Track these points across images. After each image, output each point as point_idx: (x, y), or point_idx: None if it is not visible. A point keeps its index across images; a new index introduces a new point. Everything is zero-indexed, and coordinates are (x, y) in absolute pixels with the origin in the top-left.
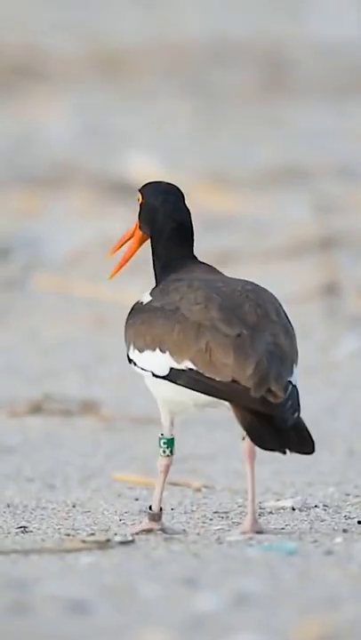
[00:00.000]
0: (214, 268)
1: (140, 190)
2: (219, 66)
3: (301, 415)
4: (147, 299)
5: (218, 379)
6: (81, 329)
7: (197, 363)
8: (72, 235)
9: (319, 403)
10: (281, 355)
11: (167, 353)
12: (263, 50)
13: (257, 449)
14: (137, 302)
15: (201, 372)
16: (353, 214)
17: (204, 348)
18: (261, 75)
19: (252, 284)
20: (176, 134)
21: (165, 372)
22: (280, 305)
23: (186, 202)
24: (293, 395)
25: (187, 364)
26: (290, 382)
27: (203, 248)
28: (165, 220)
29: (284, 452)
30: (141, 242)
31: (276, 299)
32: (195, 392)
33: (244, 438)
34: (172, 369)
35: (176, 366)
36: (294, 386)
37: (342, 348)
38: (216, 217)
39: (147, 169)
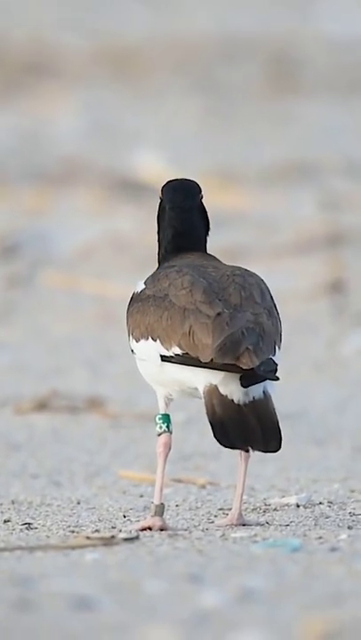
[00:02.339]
0: (212, 256)
1: (161, 188)
2: (228, 63)
3: (307, 411)
4: (140, 287)
5: (202, 359)
6: (88, 326)
7: (183, 346)
8: (80, 232)
9: (326, 399)
10: (261, 332)
11: (158, 341)
12: (272, 47)
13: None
14: (134, 292)
15: (186, 354)
16: None
17: (187, 332)
18: (270, 72)
19: (242, 269)
20: (185, 131)
21: (157, 360)
22: (267, 289)
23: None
24: (270, 366)
25: (174, 351)
26: (271, 360)
27: (211, 244)
28: (173, 219)
29: (247, 451)
30: None
31: (264, 283)
32: (180, 380)
33: None
34: (162, 357)
35: (166, 353)
36: (275, 363)
37: (349, 344)
38: (224, 214)
39: (155, 166)
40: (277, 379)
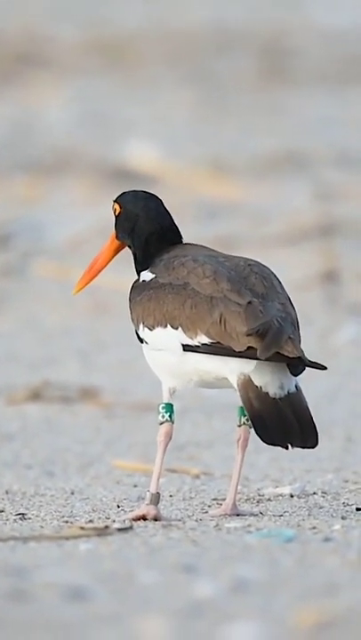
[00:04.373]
0: (206, 246)
1: (116, 201)
2: (220, 54)
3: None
4: (148, 276)
5: (235, 348)
6: (80, 316)
7: (212, 334)
8: (72, 222)
9: (318, 389)
10: (292, 322)
11: (179, 329)
12: (264, 38)
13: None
14: (137, 281)
15: (217, 343)
16: (353, 202)
17: (218, 320)
18: (262, 63)
19: (251, 259)
20: (177, 122)
21: (178, 349)
22: (280, 280)
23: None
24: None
25: (200, 340)
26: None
27: (203, 235)
28: (148, 225)
29: (287, 448)
30: (116, 252)
31: (275, 274)
32: (205, 369)
33: (240, 425)
34: (185, 345)
35: (190, 342)
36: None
37: (342, 335)
38: (217, 204)
39: (148, 156)
40: (326, 367)
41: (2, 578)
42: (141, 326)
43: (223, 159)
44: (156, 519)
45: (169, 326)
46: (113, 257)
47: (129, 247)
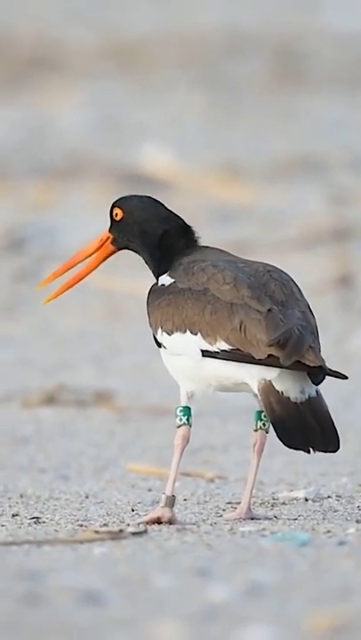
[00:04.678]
0: (224, 251)
1: (117, 206)
2: (233, 57)
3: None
4: (167, 280)
5: (256, 356)
6: (95, 320)
7: (232, 341)
8: (86, 226)
9: (333, 394)
10: (312, 330)
11: (198, 335)
12: (277, 41)
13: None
14: (155, 284)
15: (236, 350)
16: None
17: (238, 327)
18: (275, 66)
19: (270, 265)
20: (190, 126)
21: (197, 354)
22: (299, 287)
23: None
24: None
25: (220, 346)
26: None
27: (217, 239)
28: (160, 228)
29: (308, 452)
30: (106, 259)
31: (294, 280)
32: (224, 375)
33: (256, 430)
34: (203, 351)
35: (209, 348)
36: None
37: (357, 339)
38: (230, 208)
39: (161, 160)
40: (346, 377)
41: (16, 582)
42: (160, 331)
43: (236, 163)
44: (170, 522)
45: (188, 332)
46: (101, 264)
47: (135, 252)
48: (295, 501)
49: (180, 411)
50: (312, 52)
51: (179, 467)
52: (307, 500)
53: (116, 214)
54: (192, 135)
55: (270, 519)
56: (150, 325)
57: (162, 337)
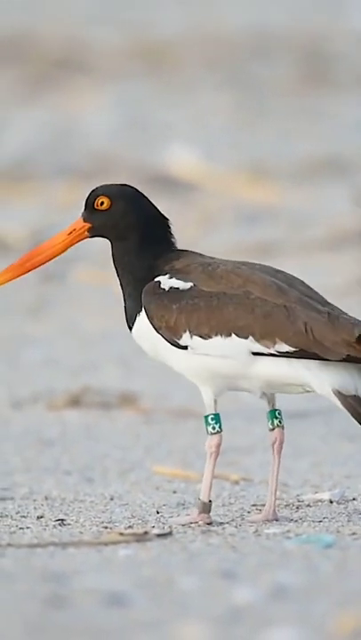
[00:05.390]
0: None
1: (104, 194)
2: (260, 58)
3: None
4: (180, 284)
5: (330, 357)
6: (120, 321)
7: (296, 343)
8: None
9: None
10: None
11: (250, 338)
12: (304, 42)
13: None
14: (155, 286)
15: (300, 350)
16: None
17: (302, 329)
18: (302, 67)
19: (260, 264)
20: (217, 126)
21: (244, 356)
22: None
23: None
24: None
25: (279, 348)
26: None
27: (242, 240)
28: (152, 225)
29: None
30: (72, 246)
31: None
32: (278, 374)
33: (273, 429)
34: (255, 353)
35: (263, 350)
36: None
37: None
38: (256, 209)
39: (187, 161)
40: None
41: (41, 583)
42: (187, 334)
43: (263, 164)
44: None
45: (234, 335)
46: (66, 250)
47: (111, 242)
48: (320, 503)
49: (212, 419)
50: (339, 53)
51: (213, 474)
52: (332, 502)
53: (102, 203)
54: (218, 136)
55: (295, 521)
56: (162, 329)
57: (191, 340)
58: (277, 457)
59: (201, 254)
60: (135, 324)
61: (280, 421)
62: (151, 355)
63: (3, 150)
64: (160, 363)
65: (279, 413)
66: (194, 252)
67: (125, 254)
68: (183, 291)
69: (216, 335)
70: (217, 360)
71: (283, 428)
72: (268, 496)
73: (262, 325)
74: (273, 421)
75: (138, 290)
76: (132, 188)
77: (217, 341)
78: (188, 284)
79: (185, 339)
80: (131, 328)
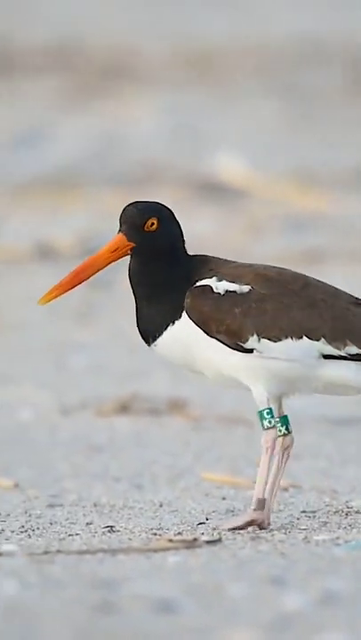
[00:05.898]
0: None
1: (154, 216)
2: (307, 66)
3: None
4: (238, 287)
5: None
6: None
7: None
8: None
9: None
10: None
11: (322, 340)
12: (351, 50)
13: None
14: (205, 291)
15: None
16: None
17: None
18: (350, 75)
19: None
20: (265, 134)
21: (314, 359)
22: None
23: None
24: None
25: (349, 350)
26: None
27: (289, 247)
28: (181, 239)
29: None
30: (114, 262)
31: None
32: (346, 377)
33: (285, 435)
34: (326, 356)
35: (334, 353)
36: None
37: None
38: (304, 216)
39: (236, 169)
40: None
41: (90, 590)
42: (254, 337)
43: (311, 171)
44: (260, 527)
45: (305, 337)
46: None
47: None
48: None
49: (268, 413)
50: None
51: (269, 470)
52: None
53: (152, 224)
54: (267, 144)
55: (344, 528)
56: (219, 332)
57: (258, 344)
58: (285, 463)
59: (218, 257)
60: (163, 335)
61: (288, 427)
62: (180, 363)
63: (52, 158)
64: (190, 371)
65: (288, 420)
66: (213, 256)
67: (158, 269)
68: (243, 294)
69: (286, 338)
70: (281, 362)
71: (291, 433)
72: (267, 498)
73: (333, 327)
74: (287, 427)
75: (167, 301)
76: (166, 206)
77: (287, 344)
78: (246, 287)
79: (251, 342)
80: (150, 342)
